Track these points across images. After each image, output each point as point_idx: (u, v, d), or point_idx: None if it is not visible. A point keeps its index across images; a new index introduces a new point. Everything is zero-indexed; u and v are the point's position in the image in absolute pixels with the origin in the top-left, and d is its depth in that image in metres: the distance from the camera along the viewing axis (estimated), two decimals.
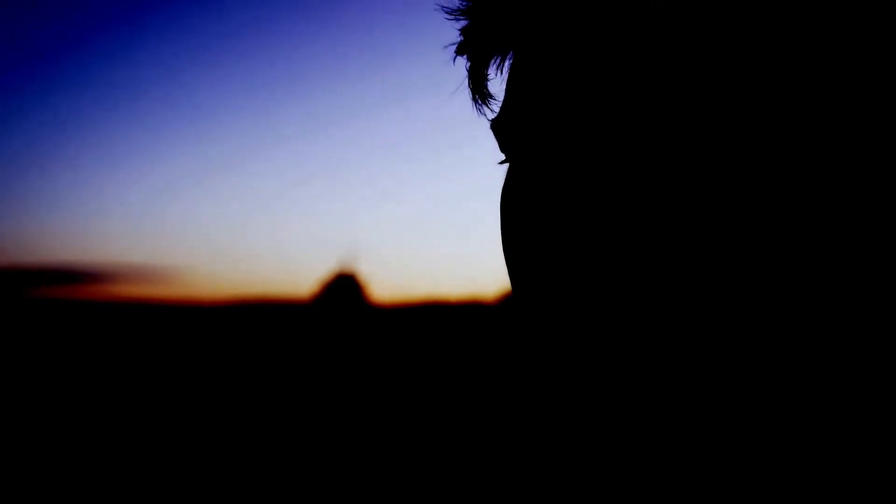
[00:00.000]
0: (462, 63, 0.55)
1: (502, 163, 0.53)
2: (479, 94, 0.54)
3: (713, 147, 0.42)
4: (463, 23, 0.53)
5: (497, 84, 0.54)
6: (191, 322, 15.54)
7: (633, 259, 0.43)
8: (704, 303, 0.42)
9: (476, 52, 0.53)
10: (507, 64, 0.53)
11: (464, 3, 0.52)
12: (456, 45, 0.54)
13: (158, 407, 6.64)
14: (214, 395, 7.51)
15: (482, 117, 0.55)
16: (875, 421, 0.41)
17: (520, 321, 0.50)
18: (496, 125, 0.53)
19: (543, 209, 0.46)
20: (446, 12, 0.53)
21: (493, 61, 0.53)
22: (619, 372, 0.45)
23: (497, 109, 0.54)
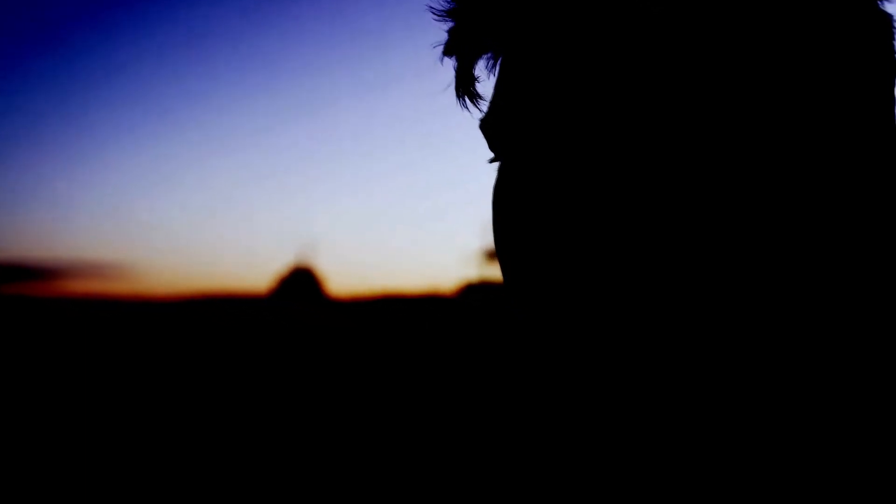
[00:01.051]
0: (447, 62, 0.55)
1: (492, 161, 0.54)
2: (467, 93, 0.55)
3: (705, 146, 0.42)
4: (450, 24, 0.54)
5: (484, 84, 0.54)
6: (145, 318, 15.26)
7: (626, 258, 0.43)
8: (700, 299, 0.42)
9: (463, 52, 0.54)
10: (493, 64, 0.54)
11: (450, 4, 0.53)
12: (443, 46, 0.55)
13: (112, 406, 6.52)
14: (168, 392, 7.39)
15: (470, 116, 0.55)
16: (873, 420, 0.41)
17: (517, 320, 0.50)
18: (485, 125, 0.53)
19: (536, 208, 0.47)
20: (434, 13, 0.54)
21: (480, 61, 0.54)
22: (616, 371, 0.45)
23: (485, 109, 0.54)
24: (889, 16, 0.46)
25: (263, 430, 5.63)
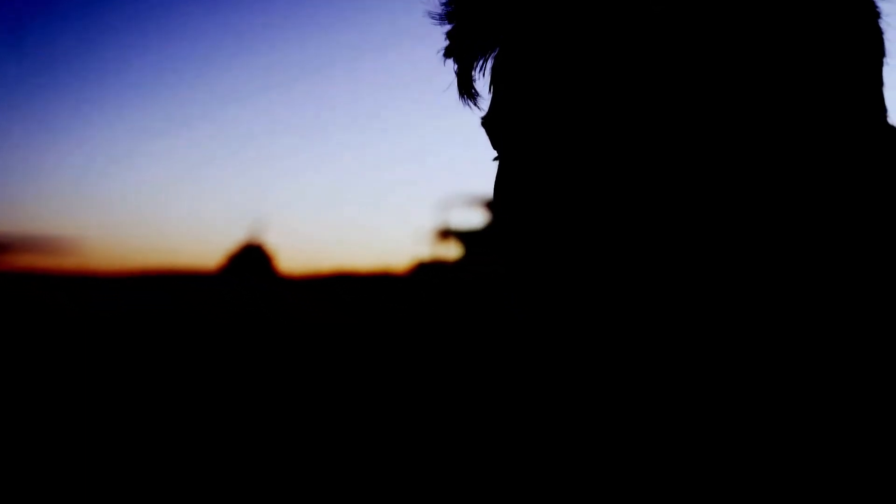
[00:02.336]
0: (448, 63, 0.57)
1: (495, 159, 0.55)
2: (468, 93, 0.56)
3: (704, 142, 0.43)
4: (448, 27, 0.55)
5: (483, 82, 0.56)
6: (91, 293, 14.99)
7: (627, 258, 0.44)
8: (699, 300, 0.43)
9: (463, 54, 0.55)
10: (486, 62, 0.55)
11: (448, 7, 0.54)
12: (443, 49, 0.56)
13: (54, 386, 6.40)
14: (109, 373, 7.29)
15: (472, 113, 0.57)
16: (872, 420, 0.41)
17: (520, 318, 0.50)
18: (487, 122, 0.54)
19: (539, 204, 0.47)
20: (432, 17, 0.55)
21: (479, 62, 0.55)
22: (616, 368, 0.45)
23: (485, 107, 0.55)
24: None
25: (208, 411, 5.58)
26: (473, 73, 0.55)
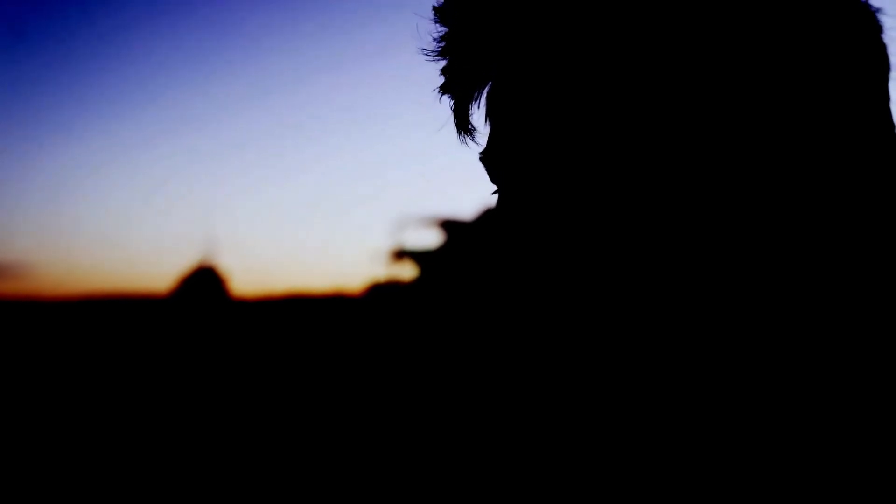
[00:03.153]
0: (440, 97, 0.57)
1: (494, 193, 0.55)
2: (465, 129, 0.56)
3: (695, 174, 0.43)
4: (442, 63, 0.55)
5: (481, 115, 0.56)
6: (38, 320, 14.64)
7: (624, 292, 0.44)
8: (699, 301, 0.43)
9: (458, 89, 0.55)
10: (480, 96, 0.55)
11: (441, 44, 0.54)
12: (440, 86, 0.56)
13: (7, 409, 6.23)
14: (61, 396, 7.12)
15: (469, 149, 0.57)
16: (872, 420, 0.42)
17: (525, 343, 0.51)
18: (485, 157, 0.55)
19: (540, 237, 0.48)
20: (425, 54, 0.55)
21: (475, 96, 0.55)
22: (616, 370, 0.45)
23: (482, 141, 0.56)
24: (875, 11, 0.47)
25: (159, 435, 5.47)
26: (470, 108, 0.55)
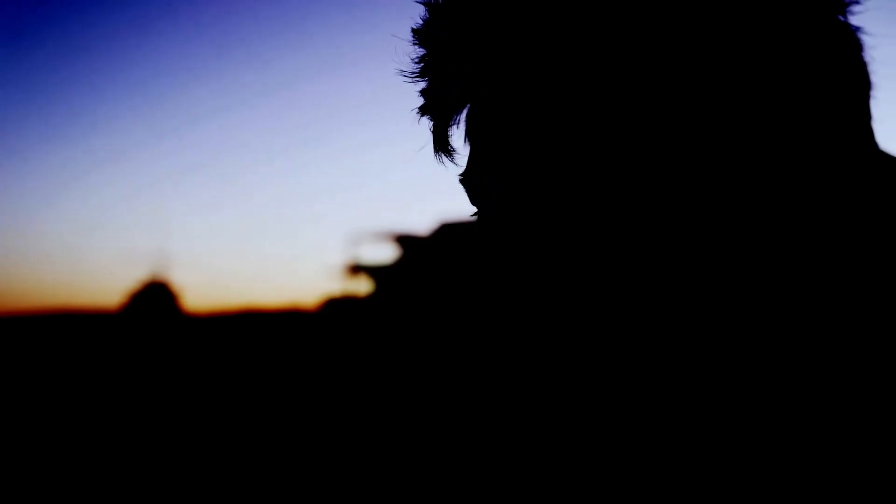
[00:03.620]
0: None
1: (474, 215, 0.55)
2: (444, 150, 0.56)
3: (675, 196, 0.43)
4: (422, 84, 0.55)
5: (459, 136, 0.56)
6: None
7: (614, 303, 0.45)
8: (698, 301, 0.43)
9: (438, 111, 0.55)
10: (464, 117, 0.55)
11: (420, 65, 0.54)
12: (419, 107, 0.56)
13: None
14: (7, 412, 6.93)
15: (447, 170, 0.57)
16: (872, 420, 0.42)
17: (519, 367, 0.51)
18: (465, 180, 0.55)
19: (533, 250, 0.47)
20: (404, 75, 0.55)
21: (454, 117, 0.55)
22: (616, 370, 0.46)
23: (461, 162, 0.56)
24: (855, 30, 0.48)
25: (109, 452, 5.35)
26: (449, 129, 0.55)
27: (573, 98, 0.45)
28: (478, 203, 0.54)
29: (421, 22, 0.55)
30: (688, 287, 0.44)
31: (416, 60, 0.54)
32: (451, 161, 0.56)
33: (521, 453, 0.55)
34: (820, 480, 0.42)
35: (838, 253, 0.43)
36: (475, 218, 0.54)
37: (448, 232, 13.11)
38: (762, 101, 0.43)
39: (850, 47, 0.47)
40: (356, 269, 14.92)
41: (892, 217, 0.44)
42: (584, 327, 0.46)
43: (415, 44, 0.54)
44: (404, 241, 14.21)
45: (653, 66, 0.43)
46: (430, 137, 0.57)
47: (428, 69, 0.54)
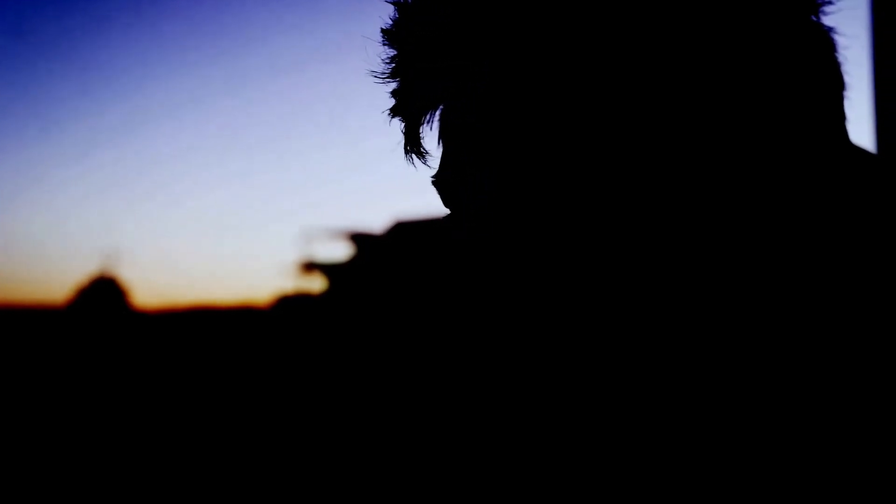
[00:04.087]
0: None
1: (448, 216, 0.55)
2: (416, 151, 0.56)
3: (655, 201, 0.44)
4: (393, 85, 0.55)
5: (432, 138, 0.56)
6: None
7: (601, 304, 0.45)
8: (697, 301, 0.44)
9: (409, 112, 0.55)
10: (437, 118, 0.55)
11: (391, 65, 0.54)
12: (390, 108, 0.56)
13: None
14: None
15: (418, 171, 0.57)
16: (872, 421, 0.42)
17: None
18: (438, 181, 0.55)
19: (520, 251, 0.48)
20: (375, 76, 0.55)
21: (426, 118, 0.54)
22: (616, 370, 0.46)
23: (432, 164, 0.56)
24: (828, 30, 0.47)
25: (55, 451, 5.24)
26: (421, 131, 0.55)
27: (571, 96, 0.45)
28: (453, 203, 0.54)
29: (391, 22, 0.54)
30: (688, 287, 0.44)
31: (387, 61, 0.54)
32: (423, 162, 0.56)
33: (496, 456, 0.55)
34: (820, 481, 0.43)
35: (824, 249, 0.44)
36: (450, 217, 0.54)
37: (403, 231, 13.08)
38: (740, 98, 0.44)
39: (823, 47, 0.47)
40: (310, 267, 14.81)
41: (870, 212, 0.45)
42: (587, 325, 0.46)
43: (385, 44, 0.54)
44: (359, 239, 14.14)
45: (648, 64, 0.44)
46: (401, 139, 0.56)
47: (399, 69, 0.54)
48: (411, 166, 0.56)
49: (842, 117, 0.48)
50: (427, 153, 0.55)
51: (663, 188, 0.44)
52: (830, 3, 0.48)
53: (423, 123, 0.55)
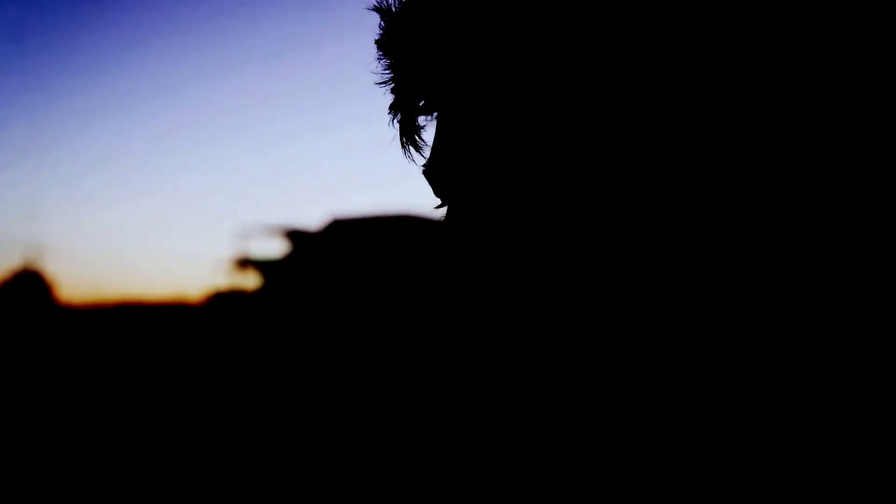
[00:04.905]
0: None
1: (438, 207, 0.56)
2: (413, 145, 0.57)
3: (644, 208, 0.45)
4: (392, 85, 0.57)
5: (426, 133, 0.58)
6: None
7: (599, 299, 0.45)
8: (696, 300, 0.44)
9: (406, 107, 0.57)
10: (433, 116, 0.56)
11: (388, 71, 0.56)
12: (389, 106, 0.58)
13: None
14: None
15: (413, 164, 0.58)
16: (872, 421, 0.43)
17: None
18: (428, 172, 0.56)
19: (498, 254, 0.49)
20: (380, 85, 0.57)
21: (423, 112, 0.56)
22: (615, 370, 0.46)
23: (427, 156, 0.57)
24: (818, 30, 0.48)
25: None
26: (417, 123, 0.57)
27: (567, 95, 0.46)
28: (447, 198, 0.55)
29: (380, 32, 0.56)
30: (686, 285, 0.45)
31: (385, 67, 0.57)
32: (420, 154, 0.58)
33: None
34: (819, 481, 0.43)
35: (821, 249, 0.45)
36: (449, 217, 0.55)
37: (339, 228, 12.97)
38: (735, 98, 0.45)
39: (813, 47, 0.49)
40: (244, 263, 14.58)
41: (865, 211, 0.46)
42: (585, 325, 0.47)
43: (380, 58, 0.57)
44: (295, 236, 13.98)
45: (643, 64, 0.45)
46: (396, 133, 0.59)
47: (396, 71, 0.56)
48: (409, 160, 0.58)
49: (834, 116, 0.49)
50: (421, 145, 0.58)
51: (659, 188, 0.45)
52: (821, 3, 0.49)
53: (418, 117, 0.57)
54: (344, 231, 12.89)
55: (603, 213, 0.46)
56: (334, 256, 12.49)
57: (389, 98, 0.57)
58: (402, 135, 0.57)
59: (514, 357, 0.50)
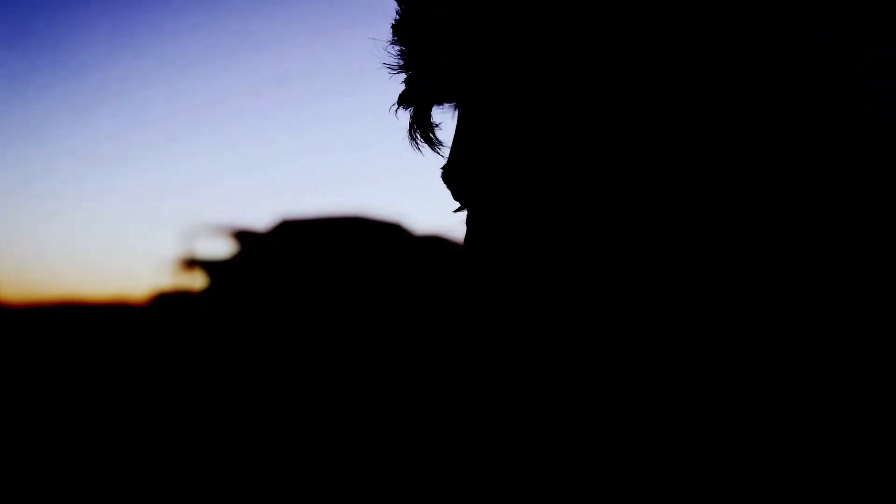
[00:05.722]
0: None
1: (457, 211, 0.55)
2: (427, 140, 0.56)
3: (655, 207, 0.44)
4: (404, 76, 0.56)
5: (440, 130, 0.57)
6: None
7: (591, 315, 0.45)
8: (696, 300, 0.44)
9: (420, 101, 0.56)
10: (450, 108, 0.55)
11: (402, 59, 0.55)
12: (398, 97, 0.57)
13: None
14: None
15: (425, 157, 0.57)
16: (873, 421, 0.43)
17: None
18: (447, 175, 0.55)
19: (516, 257, 0.48)
20: (389, 69, 0.56)
21: (436, 107, 0.55)
22: (615, 371, 0.46)
23: (445, 154, 0.56)
24: (816, 31, 0.49)
25: None
26: (432, 118, 0.56)
27: (567, 95, 0.46)
28: (463, 199, 0.55)
29: (397, 17, 0.55)
30: (684, 285, 0.45)
31: (398, 54, 0.56)
32: (433, 150, 0.57)
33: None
34: (820, 481, 0.43)
35: (819, 249, 0.45)
36: (461, 212, 0.55)
37: (288, 229, 12.91)
38: (734, 98, 0.45)
39: (813, 47, 0.49)
40: (190, 264, 14.39)
41: (864, 212, 0.46)
42: (585, 325, 0.46)
43: (394, 42, 0.55)
44: (243, 236, 13.85)
45: (643, 64, 0.45)
46: (406, 127, 0.58)
47: (409, 62, 0.55)
48: (417, 153, 0.57)
49: (834, 116, 0.50)
50: (439, 143, 0.57)
51: (659, 188, 0.45)
52: (820, 3, 0.49)
53: (432, 111, 0.56)
54: (293, 232, 12.83)
55: (603, 214, 0.46)
56: (283, 257, 12.43)
57: (394, 87, 0.56)
58: (416, 128, 0.57)
59: (514, 357, 0.49)
